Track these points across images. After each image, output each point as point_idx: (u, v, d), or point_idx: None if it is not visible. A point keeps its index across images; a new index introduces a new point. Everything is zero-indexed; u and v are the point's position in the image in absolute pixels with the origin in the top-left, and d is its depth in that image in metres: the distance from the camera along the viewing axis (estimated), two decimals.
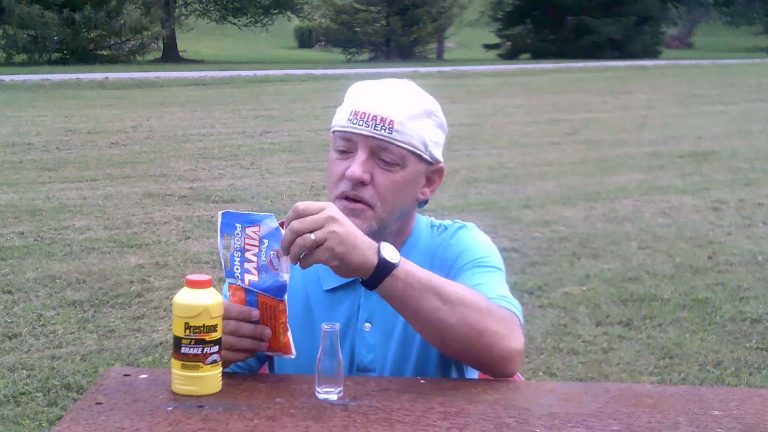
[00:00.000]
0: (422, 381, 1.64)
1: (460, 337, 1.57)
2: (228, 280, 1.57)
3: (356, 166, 1.67)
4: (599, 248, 6.52)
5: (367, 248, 1.52)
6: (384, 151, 1.68)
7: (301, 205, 1.50)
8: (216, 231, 1.55)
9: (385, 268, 1.52)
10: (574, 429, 1.42)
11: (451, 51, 42.12)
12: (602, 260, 6.21)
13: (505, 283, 1.74)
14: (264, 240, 1.52)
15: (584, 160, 10.87)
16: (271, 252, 1.51)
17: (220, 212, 1.55)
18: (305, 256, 1.48)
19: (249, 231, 1.52)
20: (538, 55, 38.86)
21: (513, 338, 1.60)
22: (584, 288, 5.54)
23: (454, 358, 1.73)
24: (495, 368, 1.61)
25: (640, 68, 30.54)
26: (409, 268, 1.55)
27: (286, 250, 1.49)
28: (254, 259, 1.53)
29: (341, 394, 1.52)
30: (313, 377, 1.53)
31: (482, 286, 1.67)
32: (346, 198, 1.69)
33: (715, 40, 52.61)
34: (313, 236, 1.47)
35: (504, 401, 1.53)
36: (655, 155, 11.23)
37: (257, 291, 1.55)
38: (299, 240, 1.47)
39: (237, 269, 1.54)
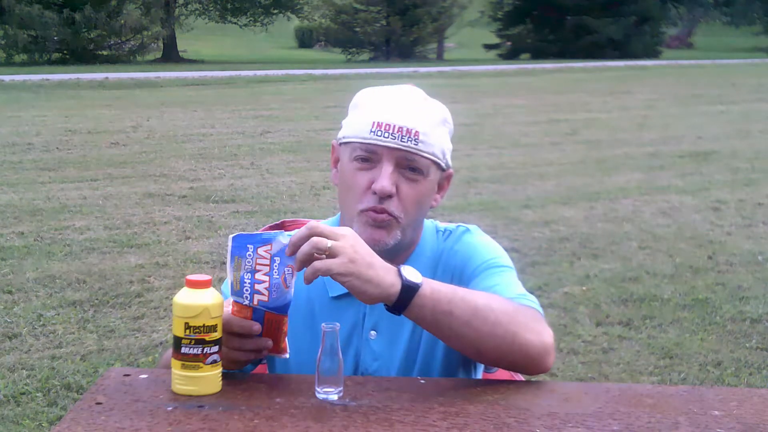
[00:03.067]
0: (422, 381, 1.64)
1: (497, 344, 1.55)
2: (233, 298, 1.53)
3: (385, 180, 1.65)
4: (599, 248, 6.52)
5: (385, 271, 1.50)
6: (411, 162, 1.66)
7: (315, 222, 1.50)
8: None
9: (410, 290, 1.50)
10: (574, 429, 1.42)
11: (451, 51, 42.13)
12: (602, 260, 6.21)
13: (518, 281, 1.74)
14: (275, 258, 1.49)
15: (584, 160, 10.87)
16: (285, 268, 1.49)
17: (230, 236, 1.51)
18: (314, 267, 1.45)
19: (261, 251, 1.49)
20: (538, 55, 38.87)
21: (544, 333, 1.60)
22: (584, 288, 5.54)
23: (492, 366, 1.72)
24: (532, 366, 1.60)
25: (640, 68, 30.55)
26: (433, 286, 1.54)
27: (295, 248, 1.46)
28: (265, 279, 1.50)
29: (341, 394, 1.52)
30: (313, 377, 1.53)
31: (498, 287, 1.66)
32: (372, 210, 1.67)
33: (715, 40, 52.62)
34: (329, 243, 1.46)
35: (504, 401, 1.53)
36: (655, 155, 11.23)
37: (264, 310, 1.53)
38: (316, 239, 1.45)
39: (246, 290, 1.51)
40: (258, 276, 1.50)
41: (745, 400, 1.56)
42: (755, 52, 45.01)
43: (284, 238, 1.49)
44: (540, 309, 1.66)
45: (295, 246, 1.47)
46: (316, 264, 1.45)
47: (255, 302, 1.51)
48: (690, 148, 11.84)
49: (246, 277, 1.50)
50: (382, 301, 1.50)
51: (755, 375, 4.24)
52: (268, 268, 1.50)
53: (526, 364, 1.59)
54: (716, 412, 1.50)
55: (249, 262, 1.49)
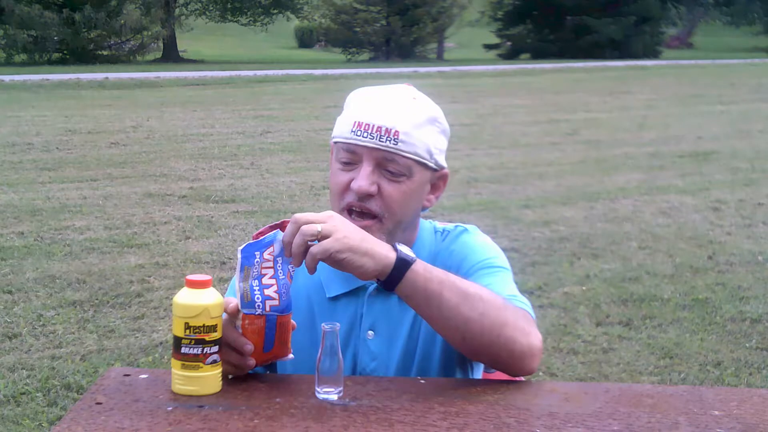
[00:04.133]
0: (422, 381, 1.64)
1: (483, 333, 1.55)
2: (244, 311, 1.52)
3: (362, 179, 1.65)
4: (599, 248, 6.52)
5: (379, 244, 1.52)
6: (390, 163, 1.66)
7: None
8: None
9: (404, 264, 1.52)
10: (574, 429, 1.43)
11: (451, 51, 42.11)
12: (602, 260, 6.20)
13: (513, 282, 1.74)
14: (278, 258, 1.50)
15: (584, 160, 10.87)
16: (289, 266, 1.50)
17: (239, 248, 1.51)
18: (312, 253, 1.46)
19: (266, 254, 1.50)
20: (538, 55, 38.86)
21: (532, 334, 1.59)
22: (584, 288, 5.54)
23: (474, 359, 1.72)
24: (515, 365, 1.59)
25: (640, 68, 30.54)
26: (426, 265, 1.55)
27: (289, 246, 1.48)
28: (273, 282, 1.50)
29: (341, 394, 1.52)
30: (313, 377, 1.53)
31: (491, 287, 1.66)
32: (352, 210, 1.68)
33: (715, 40, 52.60)
34: (319, 227, 1.47)
35: (504, 401, 1.53)
36: (655, 155, 11.23)
37: (276, 314, 1.53)
38: (305, 227, 1.47)
39: (258, 298, 1.51)
40: (265, 280, 1.50)
41: (745, 400, 1.56)
42: (755, 52, 44.97)
43: (281, 235, 1.50)
44: (532, 312, 1.66)
45: (288, 243, 1.48)
46: (313, 249, 1.47)
47: (267, 309, 1.51)
48: (690, 148, 11.84)
49: (254, 284, 1.50)
50: (376, 276, 1.52)
51: (755, 375, 4.24)
52: (272, 270, 1.50)
53: (510, 362, 1.59)
54: (716, 412, 1.50)
55: (256, 269, 1.50)
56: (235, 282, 1.53)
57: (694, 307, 5.21)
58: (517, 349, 1.57)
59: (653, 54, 40.62)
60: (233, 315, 1.54)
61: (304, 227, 1.47)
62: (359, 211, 1.67)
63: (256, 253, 1.50)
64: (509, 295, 1.67)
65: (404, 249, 1.54)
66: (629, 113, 16.07)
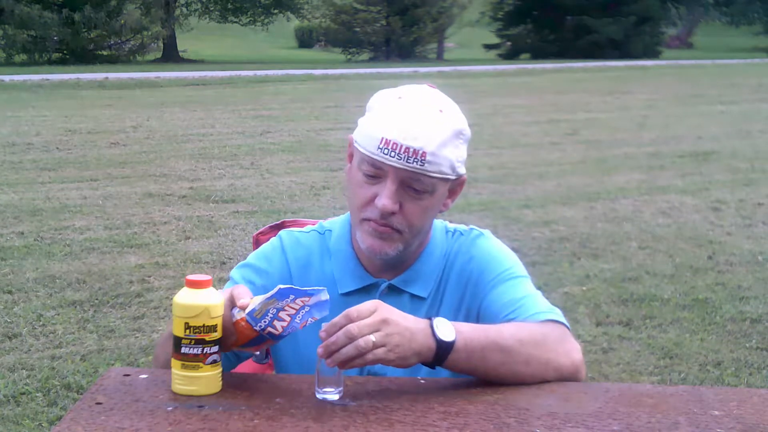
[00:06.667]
0: (422, 381, 1.64)
1: (533, 375, 1.60)
2: (248, 317, 1.53)
3: (387, 199, 1.65)
4: (599, 248, 6.52)
5: (422, 337, 1.53)
6: (415, 182, 1.65)
7: (353, 311, 1.50)
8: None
9: (444, 350, 1.54)
10: (574, 429, 1.42)
11: (451, 51, 42.12)
12: (602, 260, 6.21)
13: (535, 289, 1.77)
14: (306, 307, 1.51)
15: (584, 160, 10.87)
16: (310, 318, 1.51)
17: (278, 286, 1.51)
18: (367, 361, 1.48)
19: (298, 300, 1.51)
20: (538, 55, 38.87)
21: (573, 352, 1.64)
22: (584, 288, 5.54)
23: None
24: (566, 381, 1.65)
25: (640, 68, 30.54)
26: (466, 336, 1.56)
27: (331, 353, 1.47)
28: (287, 319, 1.51)
29: (341, 394, 1.52)
30: (313, 377, 1.53)
31: (524, 300, 1.70)
32: (374, 221, 1.69)
33: (715, 40, 52.60)
34: (373, 338, 1.48)
35: (504, 401, 1.53)
36: (655, 155, 11.23)
37: (269, 338, 1.54)
38: (361, 341, 1.46)
39: (264, 322, 1.52)
40: (281, 315, 1.51)
41: (745, 400, 1.56)
42: (755, 52, 44.97)
43: (324, 294, 1.51)
44: (564, 320, 1.70)
45: (331, 351, 1.47)
46: (368, 358, 1.48)
47: (265, 332, 1.52)
48: (690, 148, 11.84)
49: (271, 311, 1.51)
50: (417, 363, 1.55)
51: (755, 375, 4.24)
52: (294, 311, 1.51)
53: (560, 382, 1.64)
54: (716, 412, 1.50)
55: (281, 304, 1.51)
56: (259, 297, 1.53)
57: (694, 307, 5.21)
58: (565, 372, 1.62)
59: (653, 54, 40.63)
60: (240, 307, 1.54)
61: (360, 342, 1.46)
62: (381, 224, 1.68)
63: (291, 295, 1.51)
64: (543, 309, 1.70)
65: (443, 331, 1.54)
66: (629, 113, 16.07)
